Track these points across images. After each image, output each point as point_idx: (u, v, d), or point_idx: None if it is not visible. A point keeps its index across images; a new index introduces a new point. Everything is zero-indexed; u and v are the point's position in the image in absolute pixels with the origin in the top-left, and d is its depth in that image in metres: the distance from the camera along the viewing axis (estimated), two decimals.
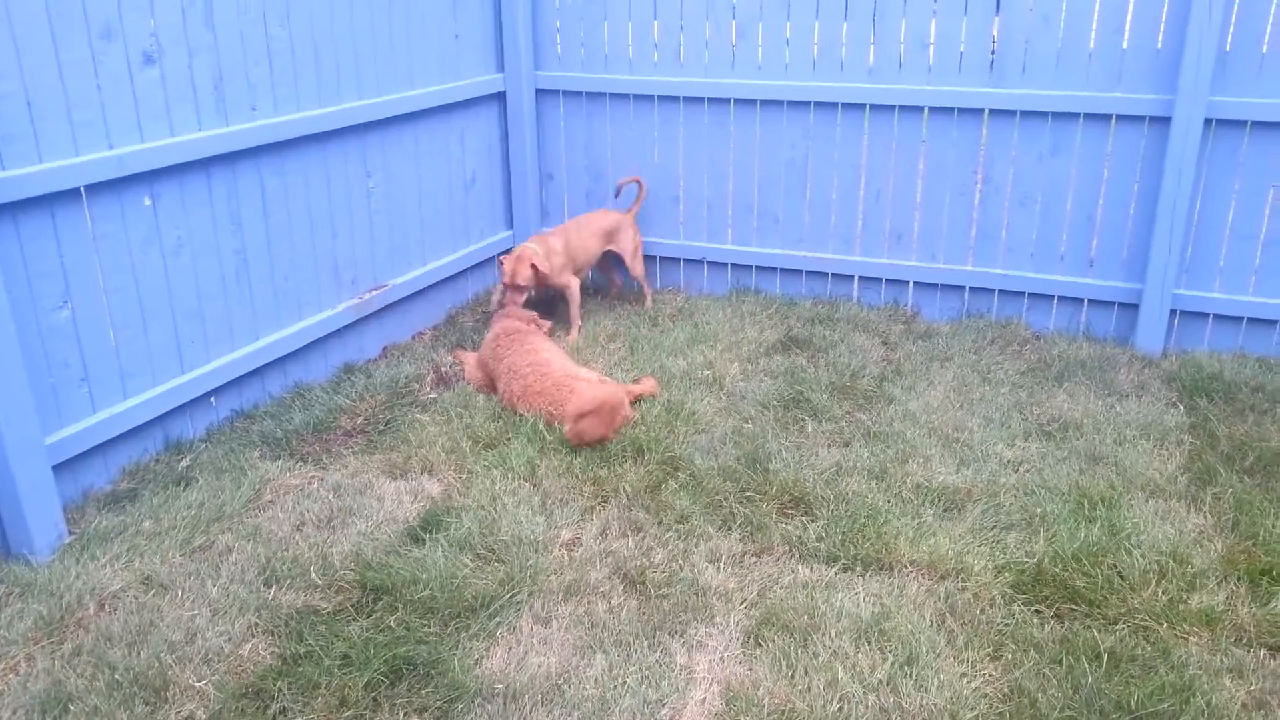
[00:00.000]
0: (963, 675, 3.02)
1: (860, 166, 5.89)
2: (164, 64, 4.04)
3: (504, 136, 6.43)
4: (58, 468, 3.74)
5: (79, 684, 2.93)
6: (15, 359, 3.47)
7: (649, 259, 6.49)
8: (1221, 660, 3.08)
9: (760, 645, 3.16)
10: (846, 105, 5.80)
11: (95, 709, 2.84)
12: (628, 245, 6.04)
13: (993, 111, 5.56)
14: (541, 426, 4.40)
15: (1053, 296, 5.67)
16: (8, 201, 3.52)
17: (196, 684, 2.95)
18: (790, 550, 3.65)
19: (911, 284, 5.97)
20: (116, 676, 2.94)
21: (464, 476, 4.12)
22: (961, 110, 5.60)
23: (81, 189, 3.80)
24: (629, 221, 6.10)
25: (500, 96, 6.32)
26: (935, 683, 2.98)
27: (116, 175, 3.89)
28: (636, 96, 6.22)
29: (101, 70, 3.80)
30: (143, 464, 4.16)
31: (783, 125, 5.98)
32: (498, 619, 3.27)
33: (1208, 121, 5.09)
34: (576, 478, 4.08)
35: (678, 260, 6.47)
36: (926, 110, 5.67)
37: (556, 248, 5.64)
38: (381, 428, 4.56)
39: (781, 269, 6.23)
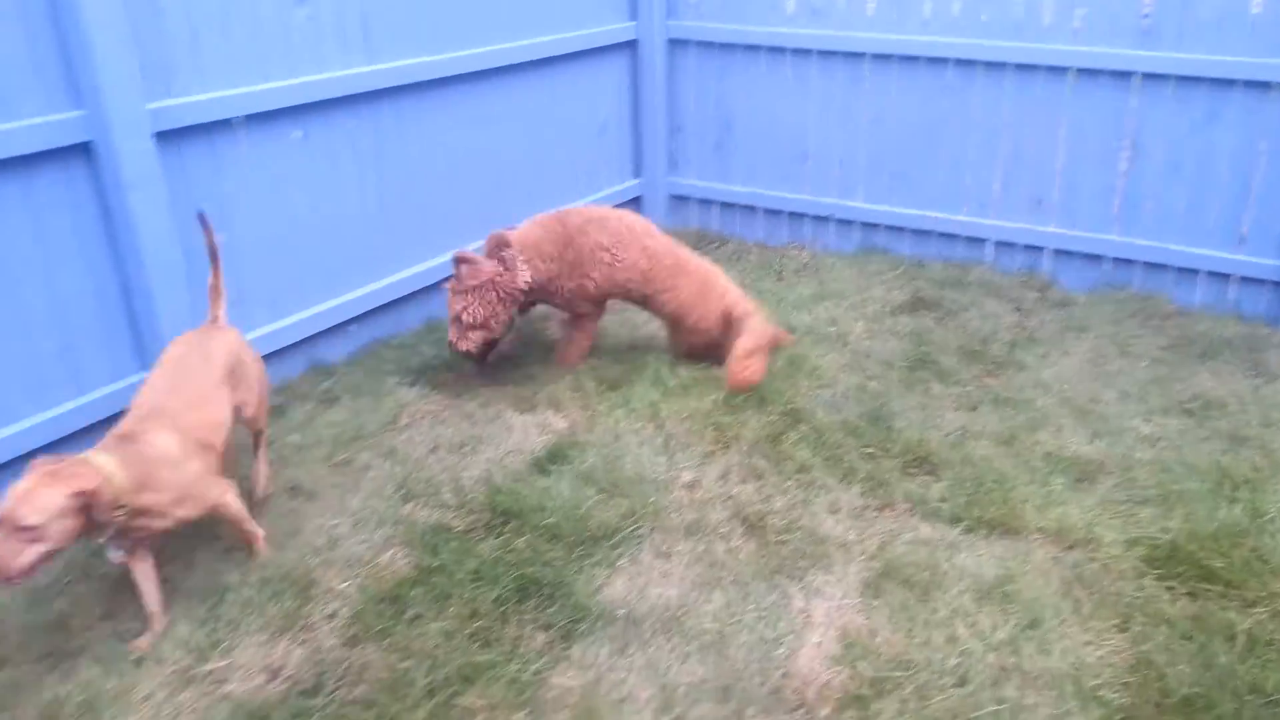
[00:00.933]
0: (1088, 643, 2.98)
1: (1000, 127, 5.72)
2: (316, 3, 4.19)
3: (634, 85, 6.43)
4: None
5: (234, 578, 3.13)
6: (180, 277, 3.68)
7: (776, 214, 6.43)
8: None
9: (879, 596, 3.17)
10: (988, 64, 5.62)
11: (249, 600, 3.03)
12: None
13: (1145, 76, 5.32)
14: (663, 371, 4.44)
15: (1199, 271, 5.44)
16: (173, 128, 3.70)
17: (339, 585, 3.12)
18: (912, 508, 3.63)
19: (1049, 251, 5.79)
20: (267, 573, 3.13)
21: (588, 414, 4.20)
22: (1111, 73, 5.38)
23: (238, 119, 3.96)
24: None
25: (632, 45, 6.32)
26: (1059, 648, 2.95)
27: (270, 108, 4.06)
28: (769, 49, 6.15)
29: (259, 9, 3.96)
30: (289, 382, 4.36)
31: (920, 82, 5.83)
32: (619, 550, 3.35)
33: None
34: (698, 423, 4.12)
35: (804, 216, 6.40)
36: (1073, 72, 5.47)
37: None
38: (512, 364, 4.67)
39: (912, 229, 6.11)
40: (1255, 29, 5.01)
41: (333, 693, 2.73)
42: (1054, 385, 4.48)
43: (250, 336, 4.11)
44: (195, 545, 3.30)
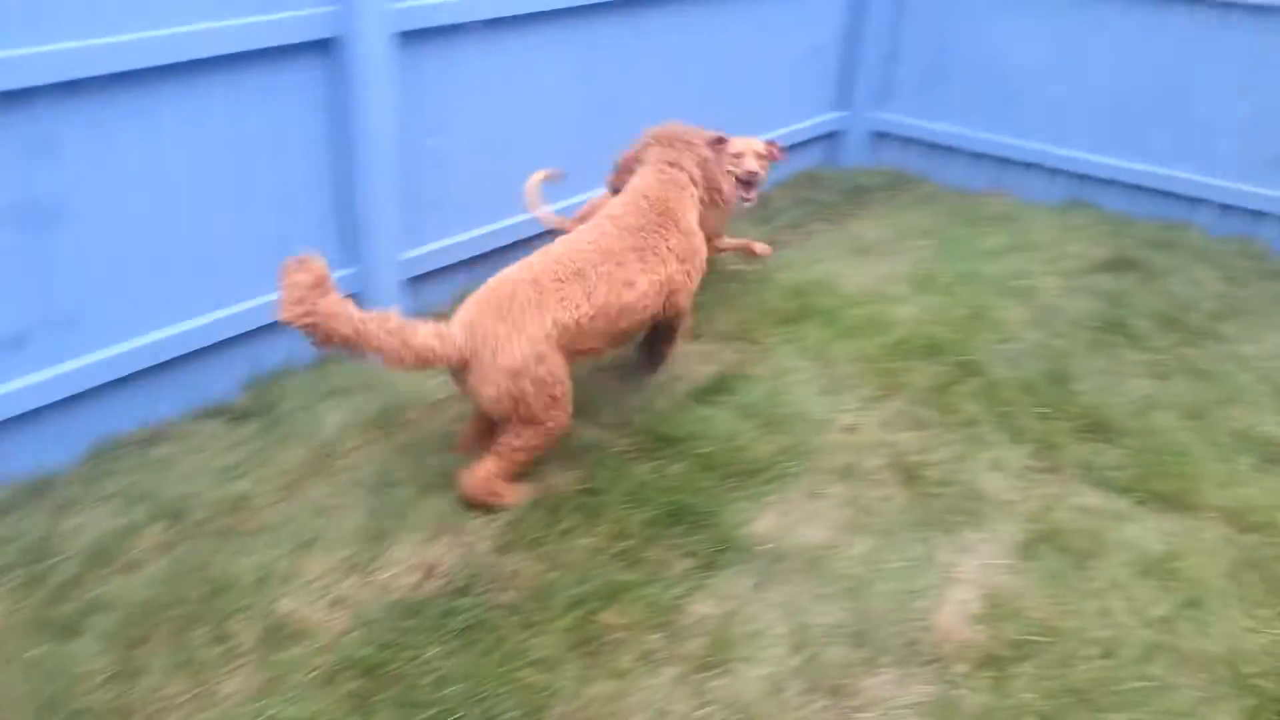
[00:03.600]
0: (1250, 630, 2.84)
1: (1250, 78, 5.22)
2: None
3: (856, 6, 6.19)
4: (407, 281, 4.20)
5: (401, 472, 3.36)
6: (394, 179, 3.93)
7: (979, 157, 6.15)
8: None
9: (1033, 560, 3.10)
10: (1251, 7, 5.11)
11: (411, 497, 3.25)
12: None
13: None
14: (836, 311, 4.41)
15: None
16: (415, 29, 3.85)
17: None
18: (1082, 474, 3.50)
19: (1273, 217, 5.33)
20: (432, 473, 3.35)
21: (758, 347, 4.22)
22: None
23: (475, 24, 4.08)
24: None
25: None
26: (1217, 631, 2.82)
27: (504, 14, 4.15)
28: None
29: None
30: (469, 291, 4.53)
31: (1169, 23, 5.37)
32: (771, 486, 3.39)
33: None
34: (866, 366, 4.08)
35: (1009, 161, 6.10)
36: None
37: None
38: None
39: (1125, 183, 5.73)
40: None
41: (482, 594, 2.90)
42: (1255, 361, 4.18)
43: (443, 243, 4.34)
44: (374, 440, 3.55)
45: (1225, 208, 5.47)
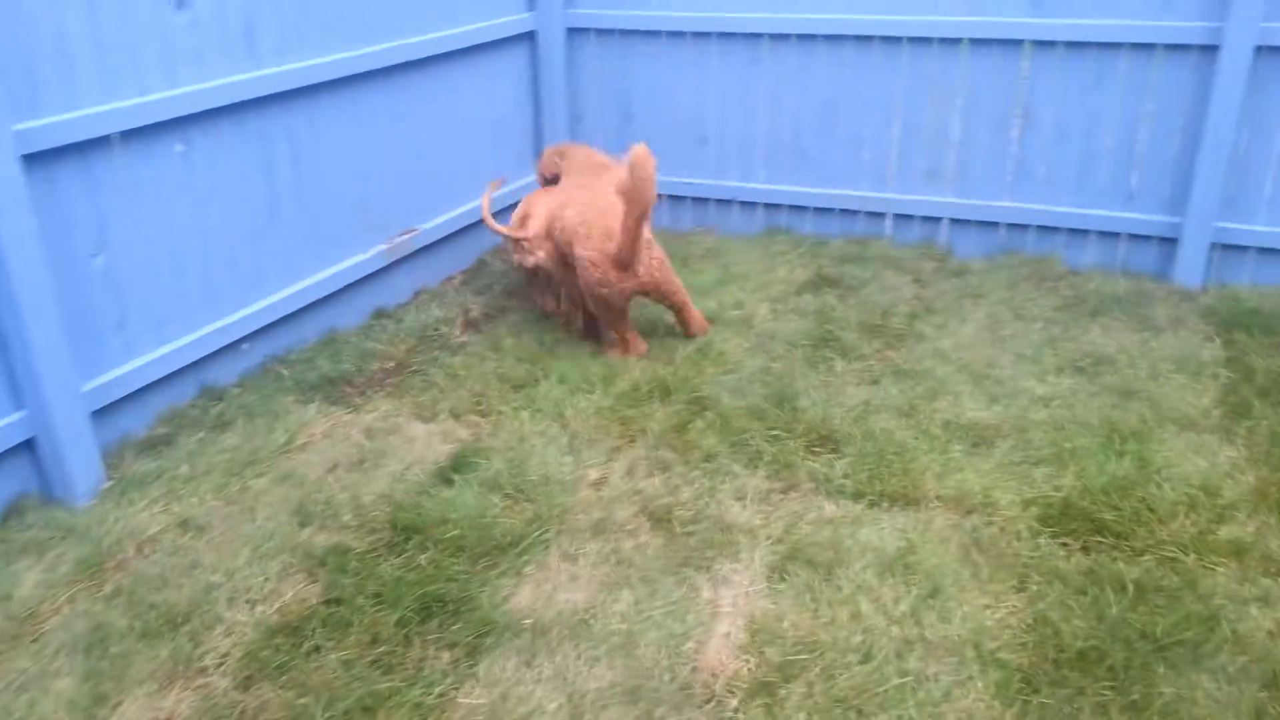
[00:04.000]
0: (987, 607, 3.03)
1: (896, 102, 5.78)
2: (196, 7, 4.05)
3: (534, 77, 6.37)
4: (95, 414, 3.82)
5: (120, 623, 3.02)
6: (51, 308, 3.54)
7: (680, 199, 6.43)
8: (1249, 590, 3.06)
9: (785, 580, 3.19)
10: (884, 38, 5.67)
11: (135, 647, 2.93)
12: None
13: (1035, 43, 5.41)
14: (567, 368, 4.43)
15: (1090, 231, 5.56)
16: (41, 150, 3.55)
17: (233, 622, 3.04)
18: (816, 487, 3.66)
19: (946, 221, 5.88)
20: (155, 615, 3.04)
21: (493, 418, 4.16)
22: (1002, 42, 5.46)
23: (114, 135, 3.83)
24: None
25: (531, 35, 6.25)
26: (959, 614, 2.99)
27: (148, 121, 3.91)
28: (669, 34, 6.13)
29: (132, 15, 3.82)
30: (179, 409, 4.23)
31: (818, 60, 5.85)
32: (526, 557, 3.32)
33: (1258, 49, 4.92)
34: (604, 418, 4.10)
35: (708, 200, 6.41)
36: (966, 42, 5.54)
37: None
38: (412, 371, 4.61)
39: (814, 207, 6.15)
40: None
41: None
42: (952, 353, 4.55)
43: (132, 365, 4.00)
44: (80, 593, 3.19)
45: (902, 217, 5.97)
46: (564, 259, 4.71)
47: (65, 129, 3.62)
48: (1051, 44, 5.37)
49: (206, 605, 3.09)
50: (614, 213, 4.36)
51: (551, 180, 5.39)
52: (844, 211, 6.09)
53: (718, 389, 4.30)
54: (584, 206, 4.61)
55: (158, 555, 3.34)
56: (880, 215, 6.02)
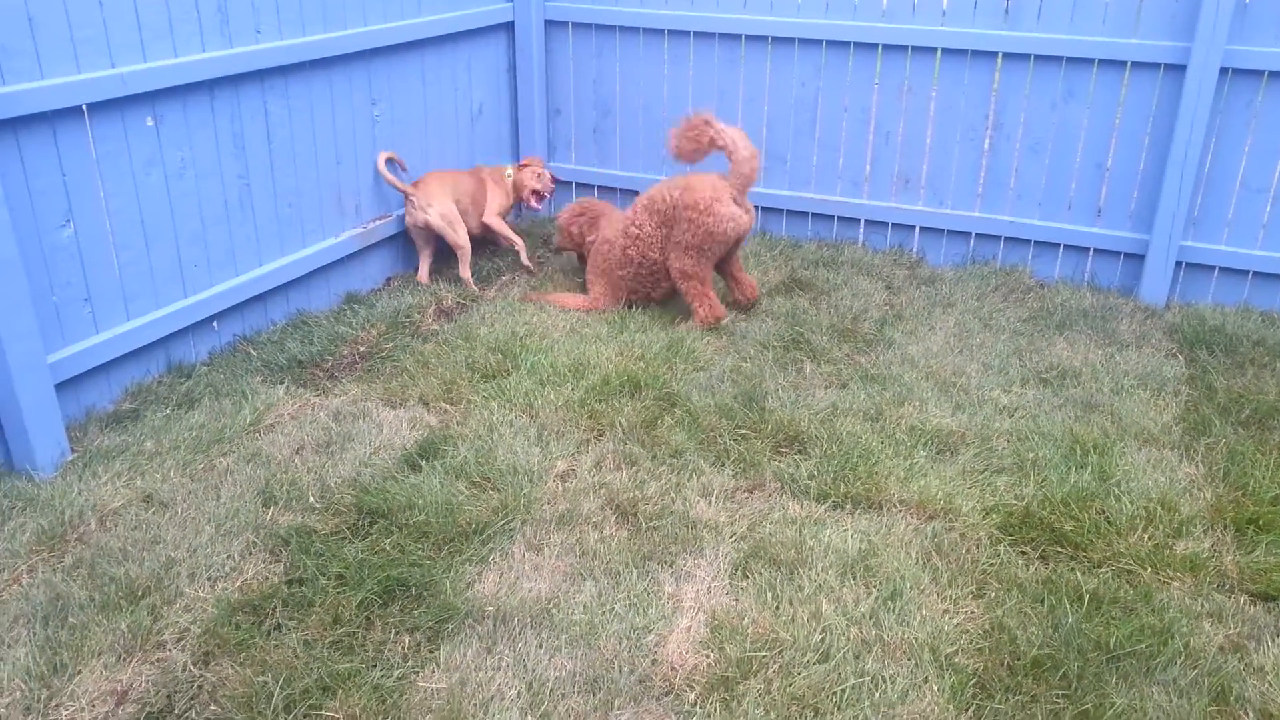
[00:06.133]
0: (945, 611, 3.07)
1: (870, 109, 5.84)
2: None
3: (512, 68, 6.38)
4: (60, 386, 3.78)
5: (79, 594, 2.99)
6: (18, 277, 3.50)
7: None
8: (1202, 605, 3.12)
9: (747, 577, 3.21)
10: (859, 45, 5.72)
11: (94, 619, 2.91)
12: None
13: (1006, 55, 5.49)
14: (539, 361, 4.43)
15: (1059, 245, 5.64)
16: (9, 118, 3.51)
17: (194, 598, 3.02)
18: (781, 487, 3.69)
19: (918, 229, 5.94)
20: (115, 588, 3.01)
21: (462, 406, 4.15)
22: (975, 53, 5.53)
23: (84, 107, 3.79)
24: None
25: (509, 26, 6.26)
26: (917, 618, 3.03)
27: (119, 94, 3.88)
28: (647, 30, 6.15)
29: None
30: (145, 385, 4.20)
31: (794, 64, 5.91)
32: (490, 545, 3.32)
33: (1224, 71, 5.03)
34: (574, 411, 4.11)
35: None
36: (939, 52, 5.60)
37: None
38: (382, 357, 4.59)
39: (788, 210, 6.19)
40: (1109, 11, 5.20)
41: (183, 714, 2.64)
42: (920, 360, 4.60)
43: (98, 339, 3.97)
44: (40, 563, 3.16)
45: (875, 224, 6.02)
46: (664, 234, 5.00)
47: (33, 98, 3.59)
48: (1023, 57, 5.44)
49: (168, 580, 3.07)
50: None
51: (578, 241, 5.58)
52: (818, 215, 6.14)
53: (688, 386, 4.32)
54: (669, 184, 5.01)
55: (120, 529, 3.31)
56: (854, 221, 6.07)
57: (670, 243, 4.94)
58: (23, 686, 2.70)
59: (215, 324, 4.53)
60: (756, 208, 6.21)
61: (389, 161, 5.35)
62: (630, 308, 5.14)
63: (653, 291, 5.17)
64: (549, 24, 6.35)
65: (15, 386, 3.55)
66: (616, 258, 5.11)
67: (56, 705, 2.66)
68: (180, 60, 4.10)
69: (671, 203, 4.90)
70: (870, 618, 3.03)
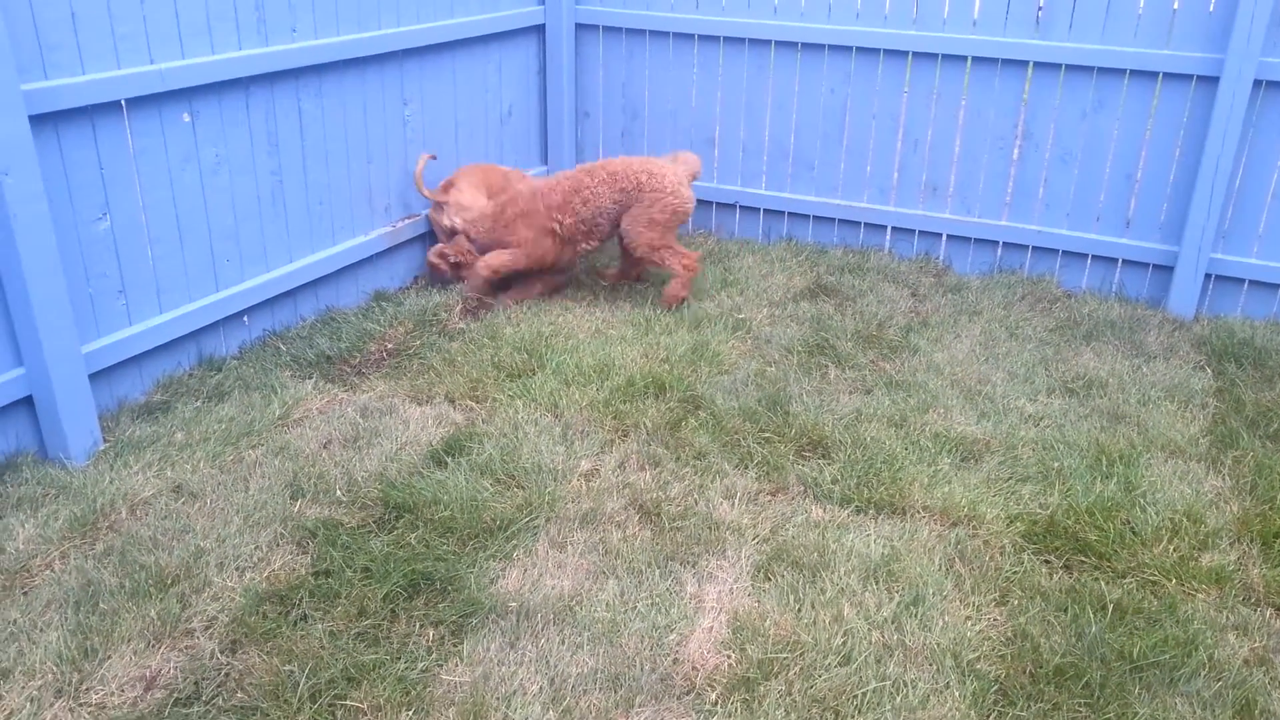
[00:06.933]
0: (967, 618, 3.07)
1: (899, 116, 5.84)
2: None
3: (542, 70, 6.41)
4: (94, 376, 3.84)
5: (110, 581, 3.04)
6: (55, 267, 3.56)
7: None
8: (1227, 617, 3.11)
9: (770, 579, 3.22)
10: (889, 52, 5.73)
11: (124, 605, 2.95)
12: None
13: (1037, 65, 5.47)
14: (564, 361, 4.46)
15: (1087, 255, 5.62)
16: (49, 111, 3.57)
17: (222, 587, 3.06)
18: (805, 491, 3.70)
19: (945, 237, 5.93)
20: (145, 576, 3.05)
21: (488, 405, 4.18)
22: (1005, 62, 5.52)
23: (122, 102, 3.85)
24: None
25: (540, 29, 6.29)
26: (939, 624, 3.03)
27: (157, 90, 3.94)
28: (677, 35, 6.17)
29: None
30: (176, 377, 4.25)
31: (823, 70, 5.91)
32: (514, 542, 3.35)
33: (1257, 83, 5.00)
34: (599, 411, 4.13)
35: (710, 204, 6.44)
36: (970, 60, 5.59)
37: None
38: (409, 354, 4.63)
39: (815, 216, 6.20)
40: (1141, 21, 5.18)
41: (211, 700, 2.67)
42: (945, 368, 4.59)
43: (132, 330, 4.02)
44: (73, 549, 3.21)
45: (901, 231, 6.02)
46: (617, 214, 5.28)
47: (73, 92, 3.64)
48: (1053, 66, 5.43)
49: (196, 569, 3.11)
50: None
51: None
52: (844, 222, 6.13)
53: (712, 389, 4.33)
54: (628, 163, 5.31)
55: (150, 518, 3.35)
56: (881, 227, 6.06)
57: (630, 218, 5.21)
58: (54, 670, 2.74)
59: (246, 318, 4.58)
60: (783, 213, 6.27)
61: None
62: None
63: (561, 257, 5.35)
64: (579, 27, 6.39)
65: (51, 376, 3.60)
66: (557, 203, 5.22)
67: (87, 689, 2.70)
68: (218, 57, 4.16)
69: (636, 184, 5.18)
70: (892, 622, 3.03)
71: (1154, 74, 5.24)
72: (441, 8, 5.39)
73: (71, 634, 2.85)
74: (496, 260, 5.20)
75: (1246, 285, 5.32)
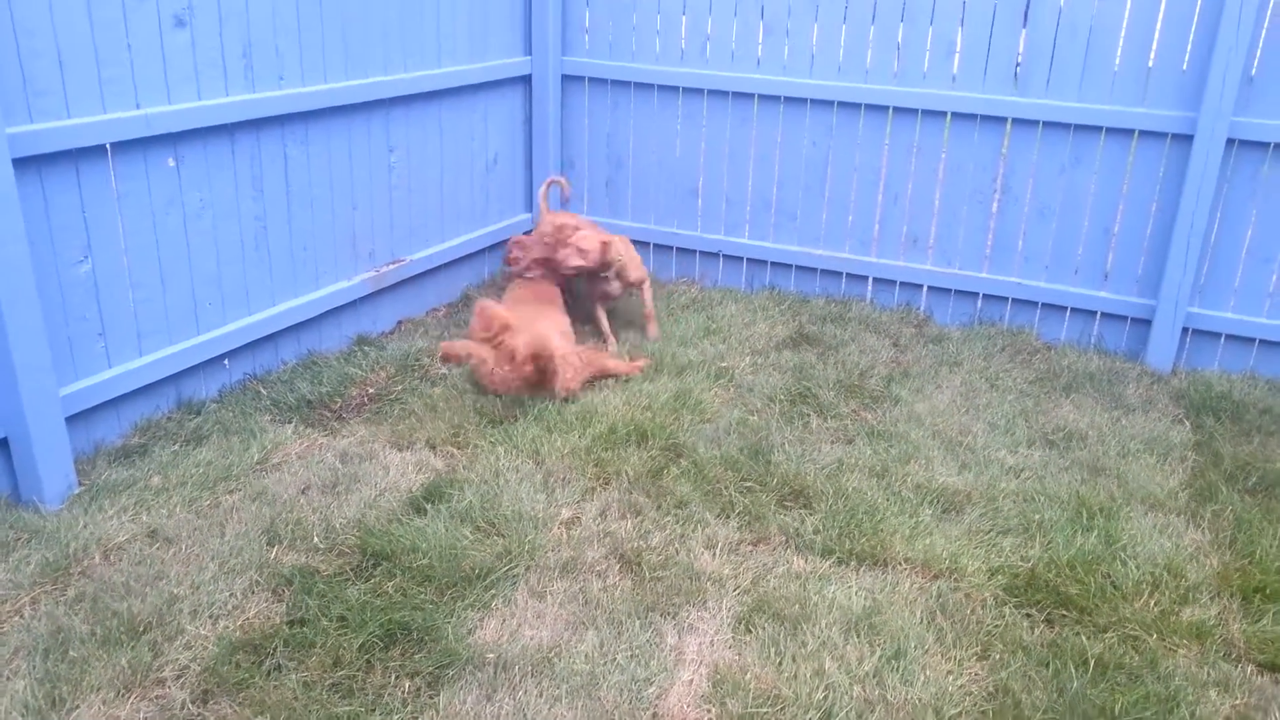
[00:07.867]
0: (949, 673, 3.05)
1: (880, 169, 5.91)
2: (194, 28, 4.09)
3: (528, 120, 6.47)
4: (71, 419, 3.80)
5: (81, 628, 2.99)
6: (34, 309, 3.54)
7: (666, 249, 6.52)
8: (1209, 673, 3.10)
9: (750, 631, 3.20)
10: (870, 106, 5.81)
11: (94, 653, 2.89)
12: None
13: (1015, 121, 5.56)
14: (546, 408, 4.45)
15: (1065, 308, 5.67)
16: (34, 154, 3.57)
17: (195, 635, 3.01)
18: (786, 541, 3.68)
19: (925, 288, 5.98)
20: (117, 623, 3.00)
21: (469, 451, 4.16)
22: (984, 118, 5.60)
23: (107, 146, 3.85)
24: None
25: (526, 80, 6.35)
26: (921, 678, 3.01)
27: (142, 135, 3.94)
28: (661, 87, 6.25)
29: (132, 30, 3.85)
30: (155, 420, 4.22)
31: (805, 124, 5.99)
32: (493, 591, 3.31)
33: (1230, 142, 5.09)
34: (580, 459, 4.11)
35: (694, 252, 6.49)
36: (949, 116, 5.68)
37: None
38: (390, 399, 4.61)
39: (797, 266, 6.24)
40: (1117, 80, 5.28)
41: None
42: (926, 418, 4.60)
43: (110, 373, 3.99)
44: (43, 596, 3.16)
45: (883, 281, 6.06)
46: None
47: (58, 136, 3.65)
48: (1031, 123, 5.52)
49: (169, 616, 3.06)
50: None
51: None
52: (826, 272, 6.18)
53: (694, 437, 4.33)
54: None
55: (124, 563, 3.31)
56: (862, 278, 6.11)
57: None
58: None
59: (226, 362, 4.55)
60: (766, 262, 6.31)
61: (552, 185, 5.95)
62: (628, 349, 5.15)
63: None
64: (566, 78, 6.46)
65: (27, 418, 3.57)
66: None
67: None
68: (205, 103, 4.18)
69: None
70: (874, 676, 3.01)
71: (1130, 131, 5.33)
72: (429, 58, 5.44)
73: (39, 682, 2.79)
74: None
75: (1223, 339, 5.38)
